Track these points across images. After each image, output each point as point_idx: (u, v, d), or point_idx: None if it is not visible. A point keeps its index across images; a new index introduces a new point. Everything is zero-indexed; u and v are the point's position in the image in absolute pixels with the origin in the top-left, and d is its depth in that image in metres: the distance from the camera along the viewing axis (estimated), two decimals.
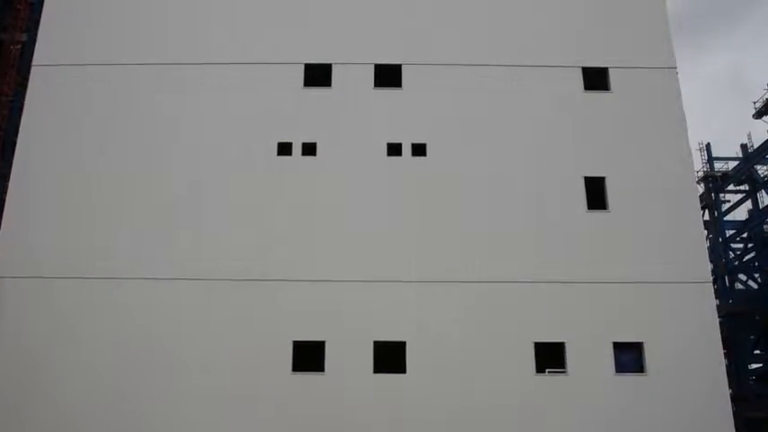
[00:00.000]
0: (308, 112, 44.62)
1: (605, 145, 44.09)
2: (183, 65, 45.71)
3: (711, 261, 73.81)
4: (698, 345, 40.25)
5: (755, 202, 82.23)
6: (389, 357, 40.07)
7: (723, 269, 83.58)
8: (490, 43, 46.28)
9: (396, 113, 44.53)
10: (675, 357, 39.98)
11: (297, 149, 43.91)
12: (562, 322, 40.74)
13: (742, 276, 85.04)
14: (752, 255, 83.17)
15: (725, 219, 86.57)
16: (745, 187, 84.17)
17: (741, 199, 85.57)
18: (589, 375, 39.81)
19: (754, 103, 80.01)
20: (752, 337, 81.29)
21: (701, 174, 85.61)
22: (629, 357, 40.40)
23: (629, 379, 39.84)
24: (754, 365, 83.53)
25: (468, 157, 43.63)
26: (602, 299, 41.01)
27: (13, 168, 43.94)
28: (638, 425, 39.15)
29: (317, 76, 45.63)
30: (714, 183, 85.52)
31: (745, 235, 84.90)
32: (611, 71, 45.76)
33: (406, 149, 43.85)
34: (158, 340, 40.31)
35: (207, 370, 39.80)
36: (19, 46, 55.24)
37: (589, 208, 42.87)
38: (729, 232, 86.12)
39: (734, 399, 53.25)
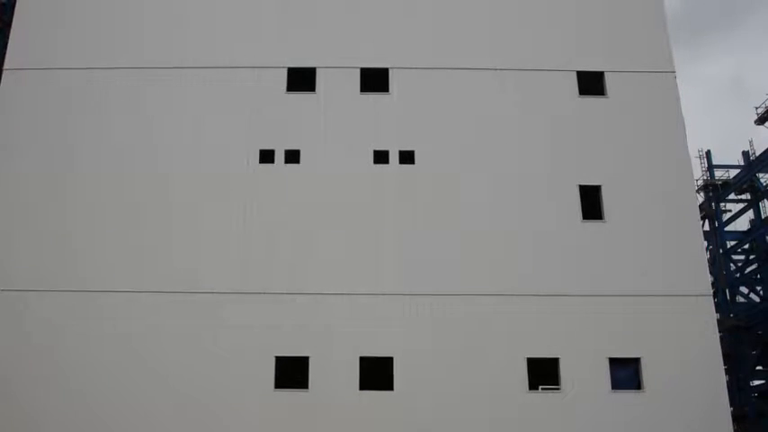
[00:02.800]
0: (291, 118, 44.66)
1: (601, 152, 44.19)
2: (161, 68, 45.69)
3: (712, 273, 73.88)
4: (697, 361, 40.34)
5: (757, 212, 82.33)
6: (376, 373, 40.08)
7: (724, 282, 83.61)
8: (480, 46, 46.36)
9: (383, 119, 44.59)
10: (674, 374, 40.04)
11: (279, 157, 43.94)
12: (556, 337, 40.79)
13: (743, 289, 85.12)
14: (754, 267, 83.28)
15: (726, 229, 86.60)
16: (746, 196, 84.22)
17: (742, 209, 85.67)
18: (584, 392, 39.85)
19: (756, 108, 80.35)
20: (754, 352, 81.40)
21: (700, 182, 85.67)
22: (625, 373, 40.46)
23: (626, 396, 39.92)
24: (757, 382, 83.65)
25: (458, 165, 43.72)
26: (597, 312, 41.08)
27: None
28: None
29: (301, 80, 45.65)
30: (714, 192, 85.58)
31: (746, 246, 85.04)
32: (607, 75, 45.88)
33: (394, 157, 43.91)
34: (135, 356, 40.24)
35: (185, 387, 39.76)
36: None
37: (584, 218, 42.97)
38: (730, 243, 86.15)
39: (735, 417, 53.32)
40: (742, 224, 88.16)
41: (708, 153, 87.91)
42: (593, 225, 42.82)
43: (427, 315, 40.99)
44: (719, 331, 43.55)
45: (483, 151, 44.05)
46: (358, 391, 39.74)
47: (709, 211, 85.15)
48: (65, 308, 41.11)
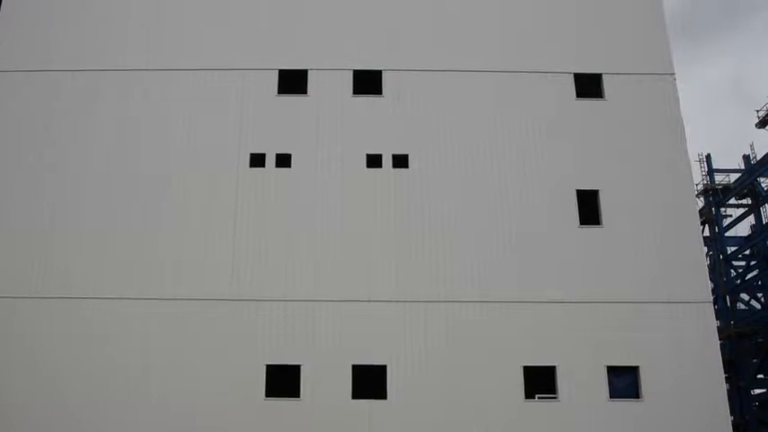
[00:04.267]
0: (282, 121, 44.66)
1: (599, 156, 44.20)
2: (149, 71, 45.66)
3: (712, 280, 74.00)
4: (697, 369, 40.37)
5: (758, 217, 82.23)
6: (369, 382, 40.09)
7: (724, 288, 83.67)
8: (476, 48, 46.35)
9: (376, 122, 44.61)
10: (673, 382, 40.09)
11: (270, 161, 43.94)
12: (553, 345, 40.80)
13: (744, 296, 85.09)
14: (755, 273, 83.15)
15: (726, 234, 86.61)
16: (747, 201, 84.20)
17: (743, 213, 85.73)
18: (581, 401, 39.88)
19: (757, 111, 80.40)
20: (755, 360, 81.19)
21: (700, 187, 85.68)
22: (624, 382, 40.48)
23: (624, 405, 39.93)
24: (758, 390, 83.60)
25: (453, 169, 43.71)
26: (595, 320, 41.09)
27: None
28: None
29: (292, 82, 45.68)
30: (715, 196, 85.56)
31: (747, 252, 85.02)
32: (604, 77, 45.90)
33: (387, 161, 43.92)
34: (122, 364, 40.24)
35: (174, 395, 39.74)
36: None
37: (582, 223, 43.01)
38: (731, 249, 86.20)
39: (735, 426, 53.37)
40: (743, 229, 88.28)
41: (708, 157, 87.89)
42: (590, 230, 42.85)
43: (421, 322, 41.00)
44: (720, 339, 43.65)
45: (478, 155, 44.02)
46: (351, 399, 39.75)
47: (710, 216, 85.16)
48: (49, 315, 41.08)
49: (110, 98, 45.17)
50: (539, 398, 40.08)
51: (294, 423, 39.37)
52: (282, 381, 40.12)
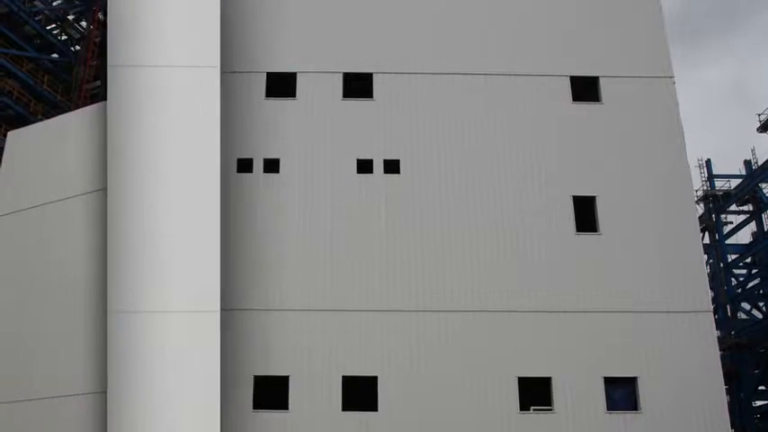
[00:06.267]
0: (270, 126, 44.52)
1: (596, 161, 44.13)
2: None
3: (712, 288, 73.98)
4: (697, 380, 40.28)
5: (760, 224, 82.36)
6: (360, 393, 39.94)
7: (725, 297, 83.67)
8: (469, 50, 46.23)
9: (366, 127, 44.48)
10: (673, 394, 40.01)
11: (258, 166, 43.82)
12: (549, 355, 40.70)
13: (745, 305, 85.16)
14: (756, 281, 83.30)
15: (726, 242, 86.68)
16: (748, 207, 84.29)
17: (744, 220, 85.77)
18: (578, 413, 39.74)
19: (759, 115, 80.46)
20: (756, 371, 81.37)
21: (700, 193, 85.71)
22: (621, 393, 40.40)
23: (622, 417, 39.80)
24: (759, 402, 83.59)
25: (446, 174, 43.60)
26: (592, 330, 41.00)
27: None
28: None
29: (281, 85, 45.55)
30: (715, 203, 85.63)
31: (748, 260, 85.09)
32: (601, 80, 45.80)
33: (378, 166, 43.79)
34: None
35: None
36: None
37: (578, 230, 42.92)
38: (731, 257, 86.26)
39: None
40: (744, 237, 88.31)
41: (708, 162, 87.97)
42: (587, 238, 42.78)
43: (413, 332, 40.87)
44: (720, 349, 43.53)
45: (472, 161, 43.90)
46: (341, 411, 39.59)
47: (710, 224, 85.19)
48: None
49: None
50: (534, 410, 39.95)
51: None
52: (270, 392, 39.99)
